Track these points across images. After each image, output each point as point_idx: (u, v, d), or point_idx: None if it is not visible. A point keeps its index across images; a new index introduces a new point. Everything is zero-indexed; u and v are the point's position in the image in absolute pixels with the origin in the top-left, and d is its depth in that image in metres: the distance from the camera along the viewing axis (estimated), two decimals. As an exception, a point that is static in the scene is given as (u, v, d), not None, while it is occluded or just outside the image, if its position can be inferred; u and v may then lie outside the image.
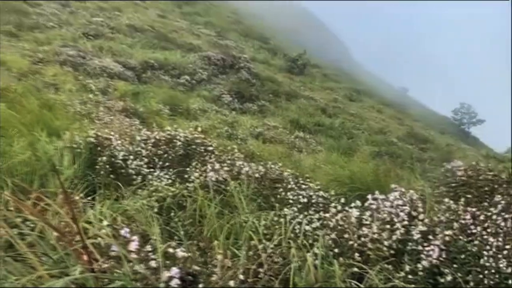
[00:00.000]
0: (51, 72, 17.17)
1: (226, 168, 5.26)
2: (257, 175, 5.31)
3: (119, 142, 5.78)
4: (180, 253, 2.58)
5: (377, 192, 4.17)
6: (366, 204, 4.09)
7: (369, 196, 4.13)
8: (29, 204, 2.95)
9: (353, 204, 4.08)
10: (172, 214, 4.37)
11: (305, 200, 4.86)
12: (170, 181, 5.03)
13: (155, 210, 4.25)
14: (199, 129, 6.56)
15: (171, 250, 2.57)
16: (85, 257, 2.18)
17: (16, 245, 2.41)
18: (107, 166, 5.21)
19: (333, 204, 4.35)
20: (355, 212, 3.96)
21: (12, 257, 2.40)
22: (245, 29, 54.67)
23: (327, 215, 4.14)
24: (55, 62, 19.33)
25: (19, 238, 2.48)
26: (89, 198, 4.47)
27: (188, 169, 5.39)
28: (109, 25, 30.53)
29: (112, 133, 6.16)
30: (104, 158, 5.27)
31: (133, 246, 2.40)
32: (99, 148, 5.59)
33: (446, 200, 4.23)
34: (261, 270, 3.15)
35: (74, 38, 24.73)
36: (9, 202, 3.14)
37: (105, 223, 2.72)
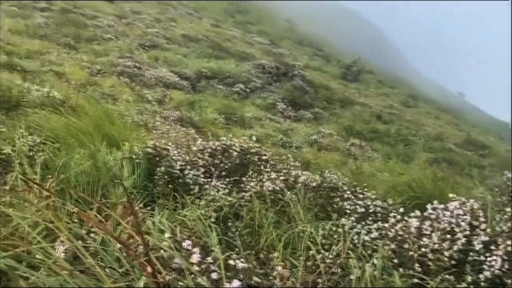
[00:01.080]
0: (108, 83, 17.50)
1: (282, 178, 5.25)
2: (313, 184, 5.29)
3: (176, 152, 5.84)
4: (241, 264, 2.59)
5: (436, 201, 4.10)
6: (425, 213, 4.03)
7: (429, 206, 4.07)
8: (92, 216, 3.01)
9: (412, 214, 4.02)
10: (230, 224, 4.39)
11: (363, 209, 4.82)
12: (226, 190, 5.06)
13: (213, 219, 4.28)
14: (254, 138, 6.58)
15: (232, 262, 2.58)
16: (149, 269, 2.21)
17: (82, 257, 2.45)
18: (165, 176, 5.27)
19: (392, 214, 4.30)
20: (414, 222, 3.90)
21: (78, 269, 2.44)
22: (298, 36, 54.82)
23: (386, 225, 4.09)
24: (112, 73, 19.71)
25: (84, 250, 2.53)
26: (148, 208, 4.54)
27: (244, 178, 5.41)
28: (164, 35, 31.06)
29: (169, 143, 6.24)
30: (162, 168, 5.33)
31: (195, 258, 2.42)
32: (157, 159, 5.67)
33: (508, 209, 4.13)
34: (319, 281, 3.13)
35: (130, 49, 25.19)
36: (73, 213, 3.22)
37: (166, 235, 2.75)
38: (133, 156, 5.58)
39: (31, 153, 5.00)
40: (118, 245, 2.56)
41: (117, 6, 36.27)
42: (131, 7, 37.48)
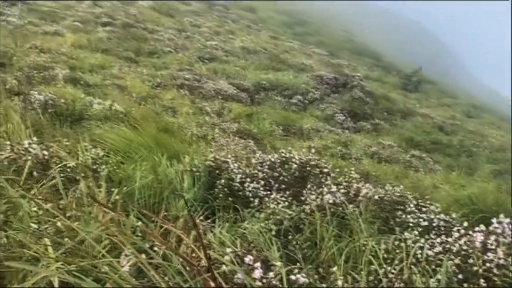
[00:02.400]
0: (169, 96, 17.73)
1: (342, 190, 5.20)
2: (375, 197, 5.21)
3: (236, 165, 5.86)
4: (302, 279, 2.57)
5: (501, 215, 3.98)
6: (490, 227, 3.92)
7: (494, 220, 3.96)
8: (156, 231, 3.04)
9: (477, 228, 3.91)
10: (290, 237, 4.37)
11: (426, 223, 4.72)
12: (286, 203, 5.03)
13: (273, 233, 4.27)
14: (313, 150, 6.54)
15: (293, 277, 2.56)
16: (212, 284, 2.22)
17: (146, 271, 2.48)
18: (225, 189, 5.30)
19: (455, 228, 4.20)
20: (479, 236, 3.79)
21: (142, 284, 2.47)
22: (357, 47, 54.51)
23: (449, 239, 4.00)
24: (172, 86, 19.98)
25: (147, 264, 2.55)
26: (208, 221, 4.56)
27: (304, 191, 5.37)
28: (223, 48, 31.38)
29: (229, 156, 6.28)
30: (223, 181, 5.36)
31: (257, 274, 2.41)
32: (217, 171, 5.70)
33: None
34: (382, 296, 3.09)
35: (190, 62, 25.52)
36: (136, 227, 3.26)
37: (228, 250, 2.76)
38: (194, 169, 5.63)
39: (94, 166, 5.09)
40: (181, 260, 2.58)
41: (177, 20, 36.92)
42: (190, 20, 38.08)
